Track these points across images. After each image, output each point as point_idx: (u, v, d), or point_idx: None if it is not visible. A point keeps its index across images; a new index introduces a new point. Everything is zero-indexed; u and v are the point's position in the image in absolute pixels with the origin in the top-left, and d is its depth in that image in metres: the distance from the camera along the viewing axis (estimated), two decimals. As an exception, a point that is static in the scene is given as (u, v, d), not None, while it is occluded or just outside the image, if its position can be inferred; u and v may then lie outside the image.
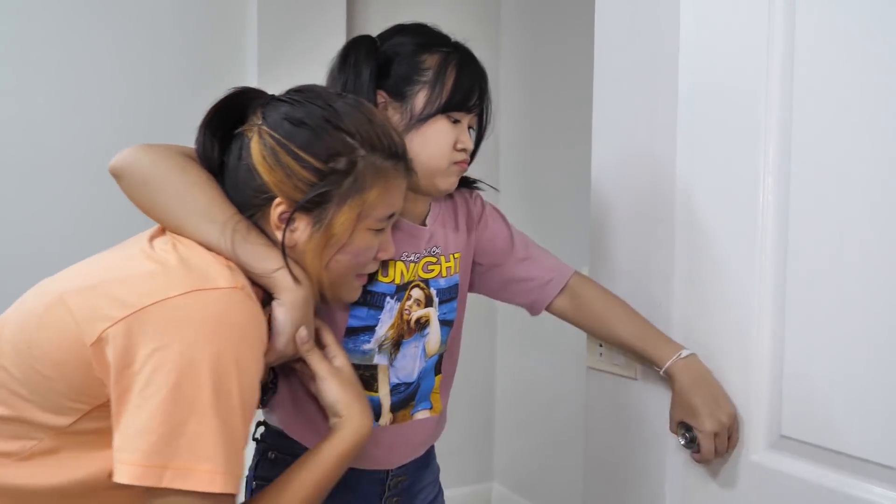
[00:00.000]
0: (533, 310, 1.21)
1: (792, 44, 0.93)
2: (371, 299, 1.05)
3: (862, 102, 0.86)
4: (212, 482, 0.69)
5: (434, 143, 1.03)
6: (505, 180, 2.68)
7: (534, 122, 2.56)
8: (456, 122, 1.04)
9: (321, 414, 1.05)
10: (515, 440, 2.66)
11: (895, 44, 0.83)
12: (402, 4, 2.45)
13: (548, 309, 1.19)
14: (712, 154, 1.03)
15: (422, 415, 1.14)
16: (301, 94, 0.86)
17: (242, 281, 0.78)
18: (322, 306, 0.96)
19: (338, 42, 1.20)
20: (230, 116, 0.88)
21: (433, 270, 1.11)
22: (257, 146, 0.83)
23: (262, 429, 1.12)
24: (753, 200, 0.97)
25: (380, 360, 1.08)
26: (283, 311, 0.83)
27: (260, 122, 0.85)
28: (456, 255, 1.15)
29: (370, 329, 1.06)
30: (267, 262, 0.82)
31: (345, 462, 0.84)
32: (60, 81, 1.94)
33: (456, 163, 1.05)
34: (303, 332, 0.85)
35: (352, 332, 1.05)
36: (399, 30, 1.09)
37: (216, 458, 0.70)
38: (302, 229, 0.84)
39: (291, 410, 1.08)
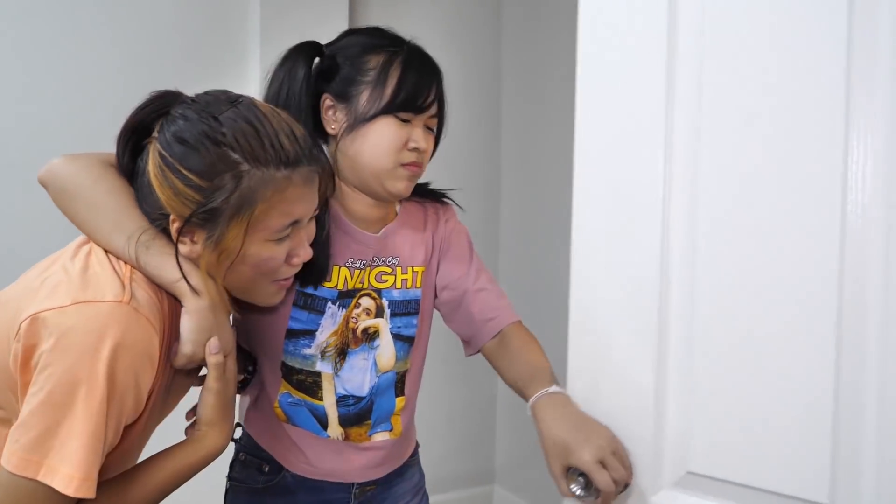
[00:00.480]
0: (470, 346, 1.11)
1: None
2: (311, 303, 1.03)
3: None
4: (67, 485, 0.75)
5: (374, 144, 0.99)
6: (506, 181, 2.67)
7: (535, 124, 2.55)
8: (405, 121, 1.00)
9: (275, 417, 1.07)
10: (517, 443, 2.64)
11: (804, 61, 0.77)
12: (403, 4, 2.45)
13: (482, 350, 1.10)
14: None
15: (381, 437, 1.10)
16: (191, 107, 0.85)
17: (134, 294, 0.80)
18: (257, 307, 0.95)
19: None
20: (147, 123, 0.88)
21: (387, 281, 1.07)
22: (152, 162, 0.85)
23: (239, 430, 1.12)
24: (656, 212, 0.88)
25: (323, 367, 1.05)
26: (187, 319, 0.85)
27: (157, 136, 0.86)
28: (417, 269, 1.10)
29: (310, 333, 1.04)
30: (168, 272, 0.84)
31: (187, 473, 0.87)
32: (61, 82, 1.96)
33: (404, 164, 1.00)
34: (213, 343, 0.86)
35: (292, 335, 1.04)
36: (349, 32, 1.07)
37: (77, 464, 0.75)
38: (199, 242, 0.85)
39: (251, 412, 1.10)
